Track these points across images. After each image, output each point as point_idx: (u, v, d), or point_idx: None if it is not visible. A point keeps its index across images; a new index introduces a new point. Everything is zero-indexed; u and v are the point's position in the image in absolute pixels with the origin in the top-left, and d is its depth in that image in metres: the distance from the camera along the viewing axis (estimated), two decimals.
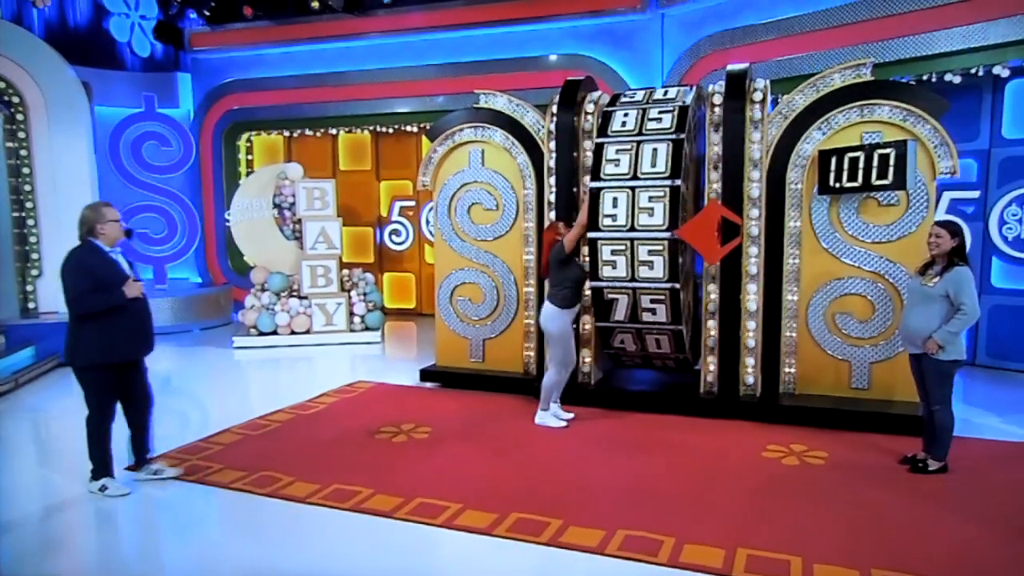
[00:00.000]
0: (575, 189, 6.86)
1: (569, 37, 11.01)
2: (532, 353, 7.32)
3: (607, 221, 6.46)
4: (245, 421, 6.48)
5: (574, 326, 6.42)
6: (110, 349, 4.70)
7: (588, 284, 6.55)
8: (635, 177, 6.42)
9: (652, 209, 6.34)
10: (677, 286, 6.32)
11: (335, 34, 12.29)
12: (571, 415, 6.41)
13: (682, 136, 6.37)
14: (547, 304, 6.19)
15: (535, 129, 7.21)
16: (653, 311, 6.47)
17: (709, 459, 5.45)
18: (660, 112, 6.60)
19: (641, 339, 6.70)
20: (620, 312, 6.57)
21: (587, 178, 6.70)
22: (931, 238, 4.98)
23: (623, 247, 6.43)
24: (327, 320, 10.29)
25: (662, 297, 6.40)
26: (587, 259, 6.60)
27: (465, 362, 7.75)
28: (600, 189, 6.50)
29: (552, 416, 6.31)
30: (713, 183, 6.38)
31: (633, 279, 6.43)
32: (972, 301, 4.78)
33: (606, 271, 6.51)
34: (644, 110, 6.67)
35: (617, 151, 6.54)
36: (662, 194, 6.33)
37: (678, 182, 6.29)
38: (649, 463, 5.38)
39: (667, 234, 6.28)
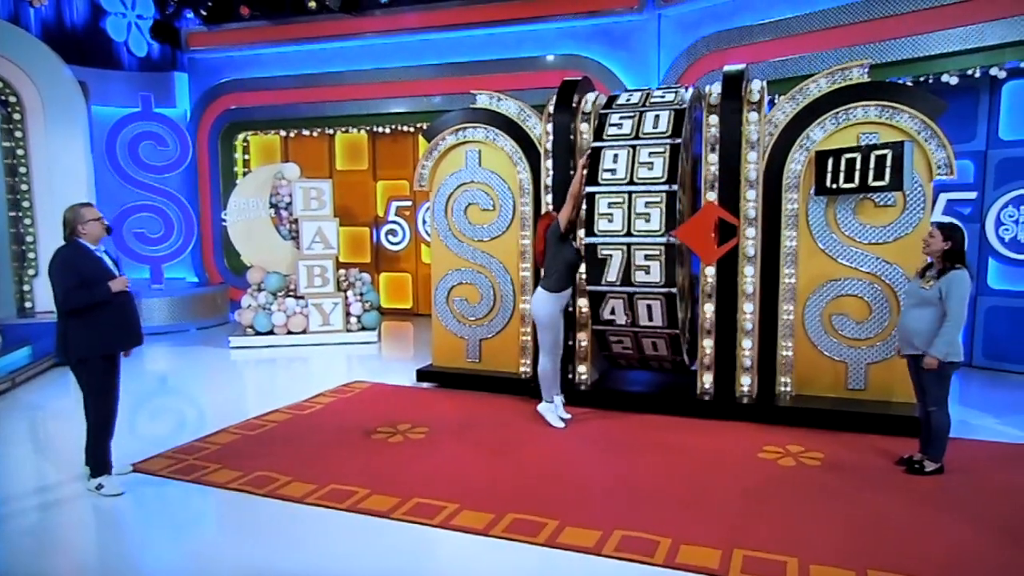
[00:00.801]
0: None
1: (566, 37, 11.01)
2: (528, 354, 7.31)
3: (606, 175, 6.48)
4: (242, 421, 6.47)
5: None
6: (98, 342, 4.84)
7: (583, 239, 6.54)
8: (637, 137, 6.49)
9: (652, 163, 6.37)
10: (673, 240, 6.31)
11: (332, 34, 12.29)
12: (568, 416, 6.42)
13: (684, 106, 6.43)
14: (538, 289, 6.22)
15: (532, 129, 7.20)
16: (647, 269, 6.39)
17: (705, 460, 5.45)
18: (664, 92, 6.77)
19: (632, 308, 6.57)
20: (613, 271, 6.48)
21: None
22: (925, 237, 5.00)
23: (621, 200, 6.43)
24: (324, 320, 10.28)
25: (657, 252, 6.34)
26: (584, 210, 6.57)
27: (462, 362, 7.75)
28: (601, 148, 6.54)
29: (553, 412, 6.32)
30: (709, 183, 6.39)
31: (629, 233, 6.41)
32: (958, 307, 4.78)
33: (602, 224, 6.48)
34: (648, 93, 6.82)
35: (620, 117, 6.65)
36: (662, 150, 6.36)
37: (678, 140, 6.33)
38: (645, 464, 5.38)
39: (666, 186, 6.28)
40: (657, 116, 6.53)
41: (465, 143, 7.51)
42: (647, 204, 6.34)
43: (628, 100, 6.84)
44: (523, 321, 7.32)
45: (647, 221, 6.34)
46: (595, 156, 6.54)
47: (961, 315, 4.80)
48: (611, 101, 6.91)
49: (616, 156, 6.50)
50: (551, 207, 6.86)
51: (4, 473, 5.43)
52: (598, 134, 6.64)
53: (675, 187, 6.24)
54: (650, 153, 6.40)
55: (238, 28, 12.96)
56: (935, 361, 4.84)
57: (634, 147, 6.47)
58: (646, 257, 6.38)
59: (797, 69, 8.55)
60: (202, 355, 9.71)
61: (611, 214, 6.45)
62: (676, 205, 6.27)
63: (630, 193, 6.40)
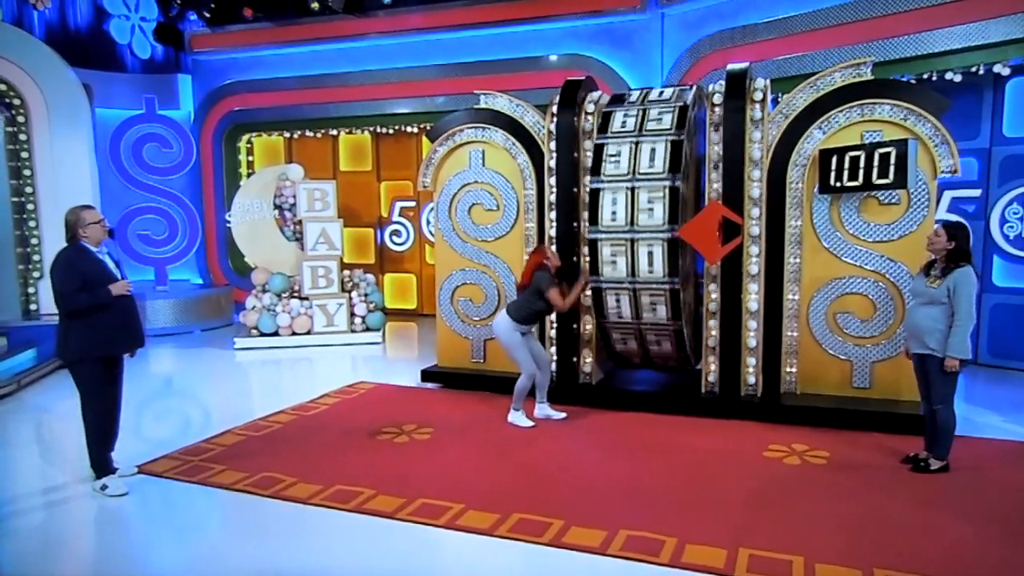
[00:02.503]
0: (575, 189, 6.85)
1: (569, 37, 11.00)
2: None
3: (607, 220, 6.46)
4: (246, 422, 6.48)
5: (574, 326, 6.42)
6: (98, 343, 4.87)
7: (589, 282, 6.62)
8: (634, 177, 6.43)
9: (652, 209, 6.35)
10: (677, 284, 6.31)
11: (335, 35, 12.30)
12: (563, 414, 6.45)
13: (682, 136, 6.37)
14: (502, 312, 6.27)
15: (535, 129, 7.20)
16: (654, 309, 6.47)
17: (711, 459, 5.44)
18: (660, 112, 6.61)
19: (642, 338, 6.70)
20: (621, 311, 6.58)
21: (587, 178, 6.70)
22: (929, 235, 5.00)
23: (623, 247, 6.43)
24: (328, 321, 10.29)
25: (662, 295, 6.39)
26: (587, 259, 6.62)
27: (466, 362, 7.75)
28: (600, 189, 6.50)
29: (523, 417, 6.31)
30: (713, 183, 6.38)
31: (634, 276, 6.44)
32: (967, 308, 4.78)
33: (606, 270, 6.52)
34: (644, 110, 6.68)
35: (617, 149, 6.56)
36: (661, 194, 6.33)
37: (677, 181, 6.29)
38: (651, 463, 5.38)
39: (667, 233, 6.28)
40: (654, 149, 6.41)
41: (469, 143, 7.51)
42: (649, 251, 6.39)
43: (623, 124, 6.65)
44: None
45: (651, 267, 6.39)
46: (595, 198, 6.49)
47: (971, 313, 4.80)
48: (605, 122, 6.71)
49: (615, 200, 6.46)
50: (555, 215, 6.87)
51: (10, 474, 5.45)
52: (595, 167, 6.57)
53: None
54: (649, 198, 6.36)
55: (241, 30, 12.98)
56: (956, 362, 4.83)
57: (632, 189, 6.41)
58: (651, 299, 6.47)
59: (800, 67, 8.53)
60: (207, 356, 9.73)
61: (615, 261, 6.50)
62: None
63: (632, 239, 6.41)
